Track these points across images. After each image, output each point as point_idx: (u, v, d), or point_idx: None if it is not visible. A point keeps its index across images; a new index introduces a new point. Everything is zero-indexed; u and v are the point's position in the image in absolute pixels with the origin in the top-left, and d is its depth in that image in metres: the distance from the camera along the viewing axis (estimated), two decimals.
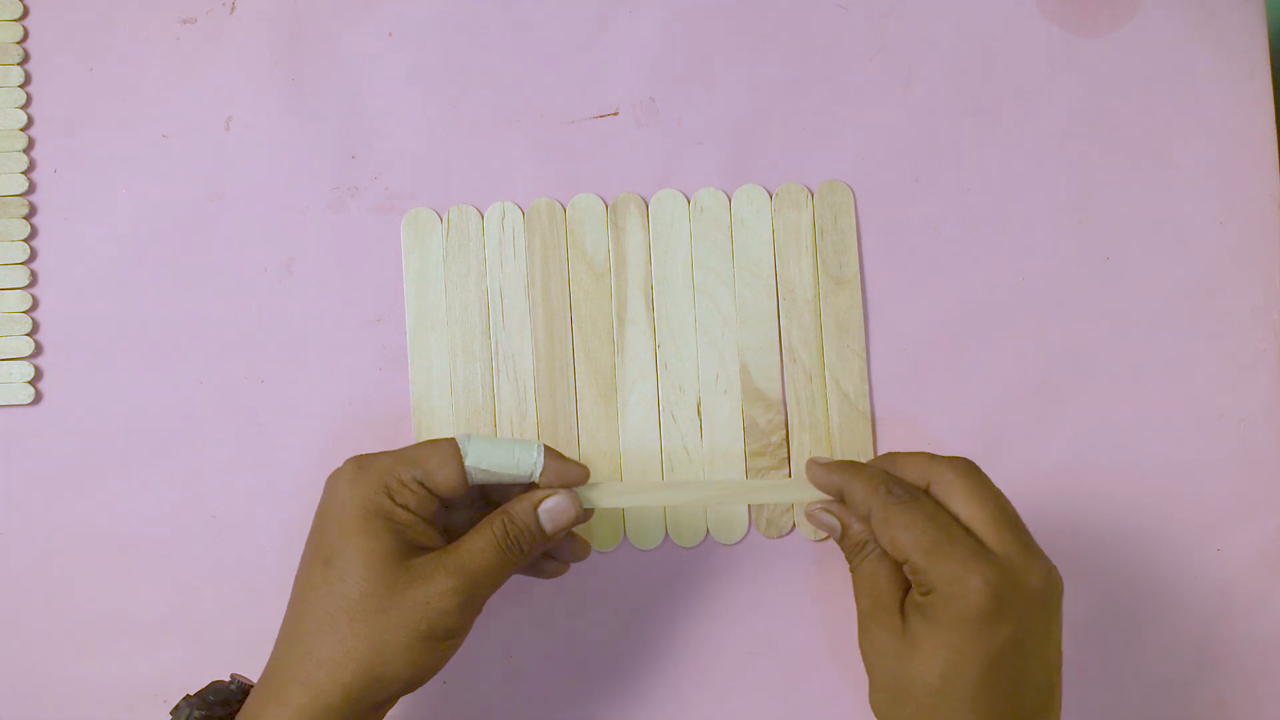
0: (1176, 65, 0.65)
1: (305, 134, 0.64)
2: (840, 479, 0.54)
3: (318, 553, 0.52)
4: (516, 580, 0.63)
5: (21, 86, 0.64)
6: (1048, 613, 0.50)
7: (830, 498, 0.54)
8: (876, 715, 0.52)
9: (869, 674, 0.53)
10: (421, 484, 0.52)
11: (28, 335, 0.63)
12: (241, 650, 0.62)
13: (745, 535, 0.63)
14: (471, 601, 0.52)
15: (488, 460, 0.53)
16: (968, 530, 0.50)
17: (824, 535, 0.63)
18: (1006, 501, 0.52)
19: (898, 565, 0.52)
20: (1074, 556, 0.63)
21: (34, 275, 0.63)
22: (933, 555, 0.49)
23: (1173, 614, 0.63)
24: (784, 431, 0.63)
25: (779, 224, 0.64)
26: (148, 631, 0.62)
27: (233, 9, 0.64)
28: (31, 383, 0.63)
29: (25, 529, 0.63)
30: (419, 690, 0.62)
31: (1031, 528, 0.63)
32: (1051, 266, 0.64)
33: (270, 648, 0.62)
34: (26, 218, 0.63)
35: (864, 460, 0.57)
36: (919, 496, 0.52)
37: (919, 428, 0.63)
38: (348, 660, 0.50)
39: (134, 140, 0.64)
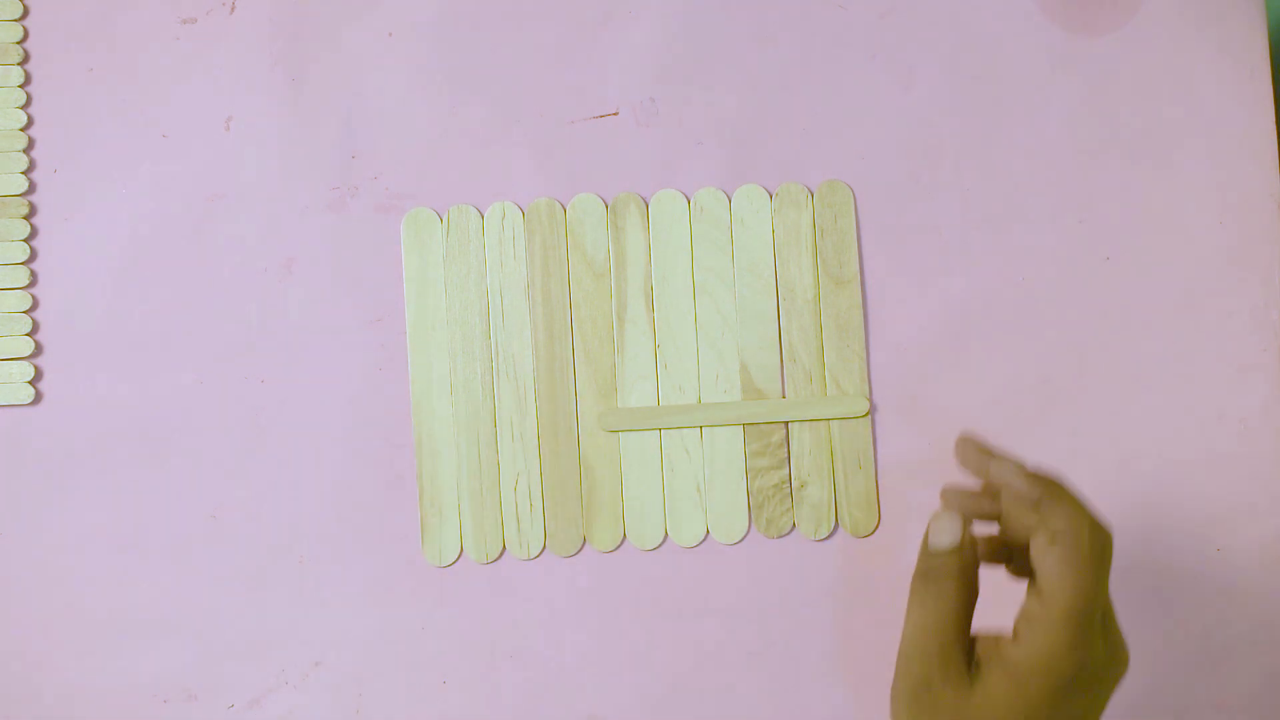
0: (1176, 65, 0.65)
1: (305, 134, 0.64)
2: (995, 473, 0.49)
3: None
4: (516, 579, 0.63)
5: (21, 86, 0.64)
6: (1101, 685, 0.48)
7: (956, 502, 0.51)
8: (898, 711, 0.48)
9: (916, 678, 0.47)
10: None
11: (28, 335, 0.63)
12: (242, 650, 0.62)
13: (745, 535, 0.63)
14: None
15: None
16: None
17: (823, 536, 0.63)
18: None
19: (969, 607, 0.48)
20: None
21: (34, 275, 0.63)
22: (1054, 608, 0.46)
23: (1173, 614, 0.63)
24: (784, 431, 0.63)
25: (779, 224, 0.64)
26: (148, 631, 0.62)
27: (233, 9, 0.64)
28: (31, 383, 0.63)
29: (25, 529, 0.63)
30: (419, 689, 0.62)
31: None
32: (1051, 266, 0.64)
33: (269, 647, 0.62)
34: (26, 218, 0.63)
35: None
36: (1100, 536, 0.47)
37: (919, 428, 0.63)
38: None
39: (134, 140, 0.64)
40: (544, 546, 0.63)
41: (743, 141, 0.64)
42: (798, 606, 0.63)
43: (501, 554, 0.63)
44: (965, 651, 0.47)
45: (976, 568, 0.49)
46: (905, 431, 0.63)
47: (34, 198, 0.63)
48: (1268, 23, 0.65)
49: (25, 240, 0.63)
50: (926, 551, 0.49)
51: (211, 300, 0.63)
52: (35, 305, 0.63)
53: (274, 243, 0.64)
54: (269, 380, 0.63)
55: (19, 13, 0.64)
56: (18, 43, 0.64)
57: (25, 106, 0.64)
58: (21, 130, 0.63)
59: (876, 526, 0.63)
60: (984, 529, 0.51)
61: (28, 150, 0.63)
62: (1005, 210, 0.64)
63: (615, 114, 0.65)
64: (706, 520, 0.63)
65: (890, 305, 0.64)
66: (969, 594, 0.48)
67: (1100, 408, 0.64)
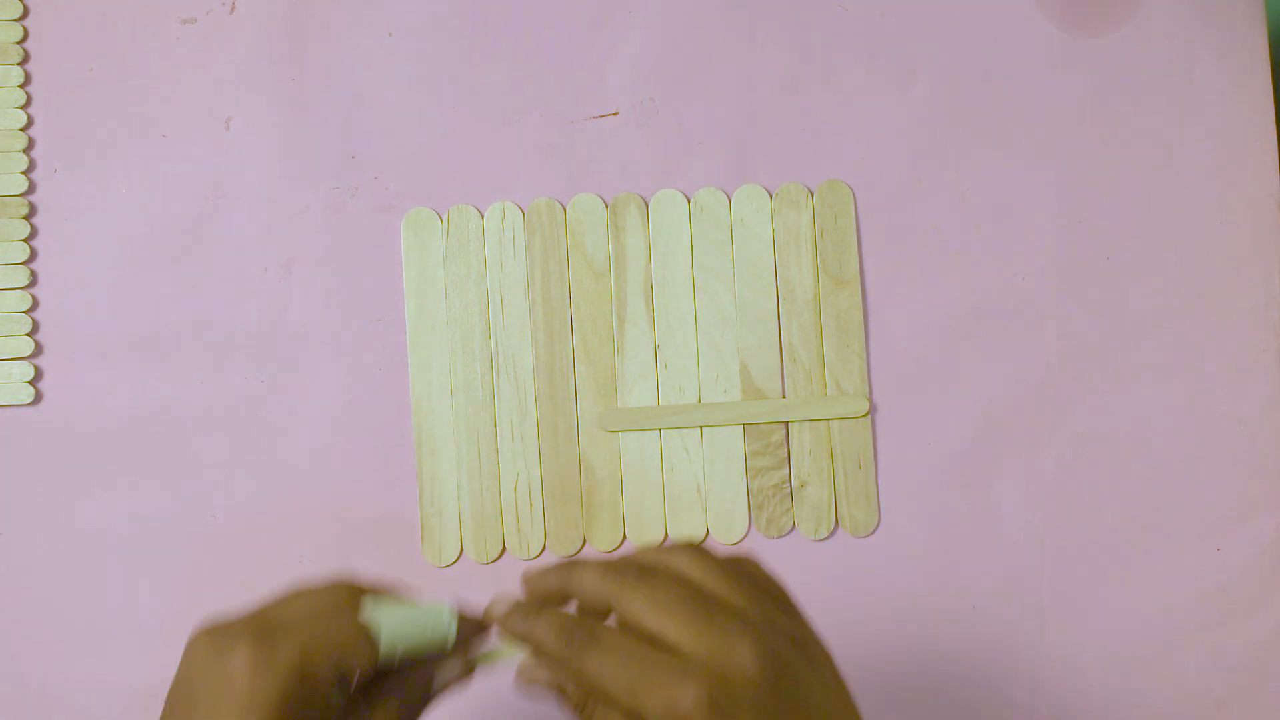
0: (1176, 65, 0.65)
1: (305, 134, 0.64)
2: (523, 631, 0.45)
3: None
4: (516, 579, 0.63)
5: (21, 86, 0.64)
6: (778, 692, 0.42)
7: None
8: None
9: None
10: (336, 675, 0.43)
11: (28, 335, 0.63)
12: None
13: (745, 535, 0.63)
14: None
15: (400, 634, 0.45)
16: (665, 642, 0.42)
17: (823, 536, 0.63)
18: (716, 579, 0.44)
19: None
20: (1073, 557, 0.63)
21: (34, 275, 0.63)
22: (636, 694, 0.41)
23: (1173, 614, 0.63)
24: (784, 431, 0.63)
25: (779, 224, 0.64)
26: (148, 631, 0.62)
27: (233, 9, 0.64)
28: (31, 383, 0.63)
29: (25, 529, 0.63)
30: None
31: (1030, 527, 0.63)
32: (1051, 266, 0.64)
33: None
34: (26, 218, 0.63)
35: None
36: (598, 634, 0.43)
37: (919, 428, 0.63)
38: None
39: (134, 140, 0.64)
40: (544, 546, 0.63)
41: (743, 141, 0.64)
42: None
43: (501, 554, 0.63)
44: None
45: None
46: (905, 431, 0.63)
47: (34, 198, 0.63)
48: (1268, 23, 0.65)
49: (25, 240, 0.63)
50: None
51: (211, 300, 0.63)
52: (35, 305, 0.63)
53: (274, 243, 0.64)
54: (269, 380, 0.63)
55: (19, 13, 0.64)
56: (18, 43, 0.64)
57: (25, 106, 0.64)
58: (21, 130, 0.63)
59: (876, 526, 0.63)
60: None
61: (28, 150, 0.63)
62: (1005, 210, 0.64)
63: (615, 114, 0.65)
64: (706, 520, 0.63)
65: (890, 305, 0.64)
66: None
67: (1100, 408, 0.64)
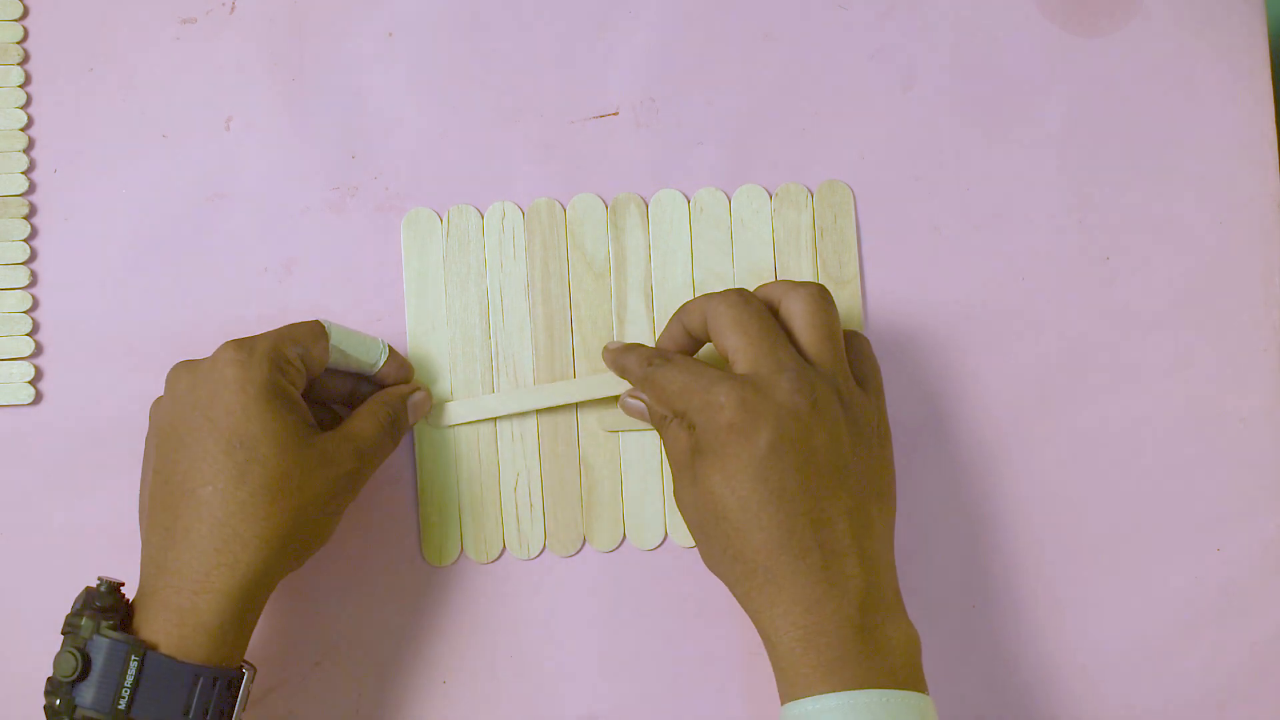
0: (1176, 65, 0.65)
1: (305, 134, 0.64)
2: (618, 362, 0.59)
3: (216, 438, 0.52)
4: (516, 579, 0.63)
5: (21, 86, 0.64)
6: (802, 422, 0.52)
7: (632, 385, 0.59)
8: (714, 573, 0.55)
9: (691, 534, 0.55)
10: (302, 360, 0.55)
11: (28, 335, 0.63)
12: None
13: None
14: (362, 482, 0.57)
15: (345, 342, 0.58)
16: (715, 366, 0.54)
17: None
18: (822, 318, 0.55)
19: (693, 428, 0.54)
20: (1073, 557, 0.63)
21: (34, 275, 0.63)
22: (684, 396, 0.54)
23: (1173, 614, 0.63)
24: None
25: (779, 224, 0.64)
26: None
27: (233, 9, 0.64)
28: (31, 383, 0.63)
29: (25, 529, 0.63)
30: (419, 689, 0.62)
31: (1030, 526, 0.64)
32: (1051, 266, 0.64)
33: (270, 647, 0.62)
34: (26, 218, 0.63)
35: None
36: (672, 357, 0.56)
37: (918, 427, 0.63)
38: (273, 537, 0.52)
39: (134, 140, 0.64)
40: (544, 546, 0.63)
41: (743, 141, 0.64)
42: None
43: (501, 554, 0.63)
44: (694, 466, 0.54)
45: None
46: (904, 430, 0.63)
47: (34, 198, 0.63)
48: (1268, 23, 0.65)
49: (25, 240, 0.63)
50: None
51: (211, 300, 0.63)
52: (35, 305, 0.63)
53: (274, 243, 0.64)
54: None
55: (19, 13, 0.64)
56: (18, 43, 0.64)
57: (25, 106, 0.64)
58: (21, 130, 0.63)
59: None
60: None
61: (28, 150, 0.63)
62: (1005, 210, 0.64)
63: (615, 114, 0.65)
64: None
65: (890, 305, 0.64)
66: (682, 432, 0.55)
67: (1100, 408, 0.64)
